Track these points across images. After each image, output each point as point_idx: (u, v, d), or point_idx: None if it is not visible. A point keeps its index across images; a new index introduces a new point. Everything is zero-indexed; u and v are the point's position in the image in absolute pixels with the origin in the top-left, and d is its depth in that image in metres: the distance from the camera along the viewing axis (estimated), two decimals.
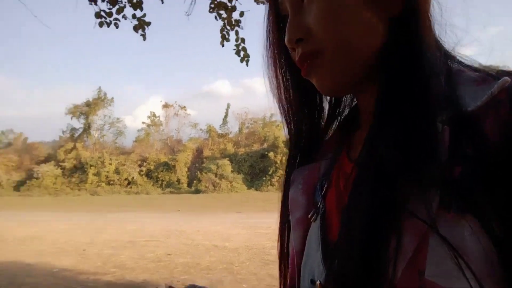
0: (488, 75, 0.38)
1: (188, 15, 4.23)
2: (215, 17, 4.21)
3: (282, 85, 0.54)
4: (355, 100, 0.56)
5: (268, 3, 0.52)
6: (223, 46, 4.34)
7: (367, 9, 0.42)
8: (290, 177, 0.55)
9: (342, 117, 0.57)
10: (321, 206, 0.49)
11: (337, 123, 0.57)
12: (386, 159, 0.37)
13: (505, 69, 0.39)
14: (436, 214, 0.33)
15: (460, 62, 0.43)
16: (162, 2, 4.31)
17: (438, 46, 0.43)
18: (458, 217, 0.33)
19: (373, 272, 0.35)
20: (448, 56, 0.43)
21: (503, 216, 0.32)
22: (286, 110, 0.55)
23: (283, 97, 0.55)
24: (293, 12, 0.46)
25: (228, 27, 4.21)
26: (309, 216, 0.50)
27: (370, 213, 0.36)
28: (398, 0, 0.42)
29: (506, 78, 0.36)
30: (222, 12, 4.13)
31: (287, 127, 0.56)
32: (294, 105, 0.55)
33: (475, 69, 0.41)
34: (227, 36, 4.29)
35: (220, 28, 4.26)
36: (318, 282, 0.44)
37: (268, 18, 0.53)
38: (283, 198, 0.56)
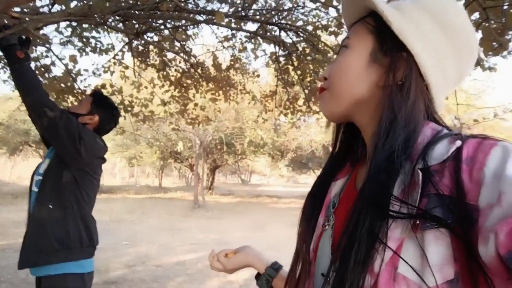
0: (456, 136, 0.53)
1: None
2: None
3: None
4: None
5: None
6: None
7: (366, 74, 0.60)
8: (315, 189, 0.73)
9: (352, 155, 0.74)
10: (332, 219, 0.65)
11: (349, 159, 0.73)
12: (378, 189, 0.53)
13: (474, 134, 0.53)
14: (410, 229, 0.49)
15: (444, 125, 0.59)
16: None
17: (426, 111, 0.58)
18: (424, 232, 0.47)
19: (363, 267, 0.49)
20: (435, 120, 0.60)
21: (454, 229, 0.47)
22: (338, 138, 0.73)
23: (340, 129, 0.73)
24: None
25: None
26: (322, 225, 0.67)
27: (364, 224, 0.51)
28: (399, 72, 0.57)
29: (458, 141, 0.51)
30: None
31: (332, 149, 0.73)
32: (344, 138, 0.73)
33: (449, 129, 0.57)
34: None
35: None
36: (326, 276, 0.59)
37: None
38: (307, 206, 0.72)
